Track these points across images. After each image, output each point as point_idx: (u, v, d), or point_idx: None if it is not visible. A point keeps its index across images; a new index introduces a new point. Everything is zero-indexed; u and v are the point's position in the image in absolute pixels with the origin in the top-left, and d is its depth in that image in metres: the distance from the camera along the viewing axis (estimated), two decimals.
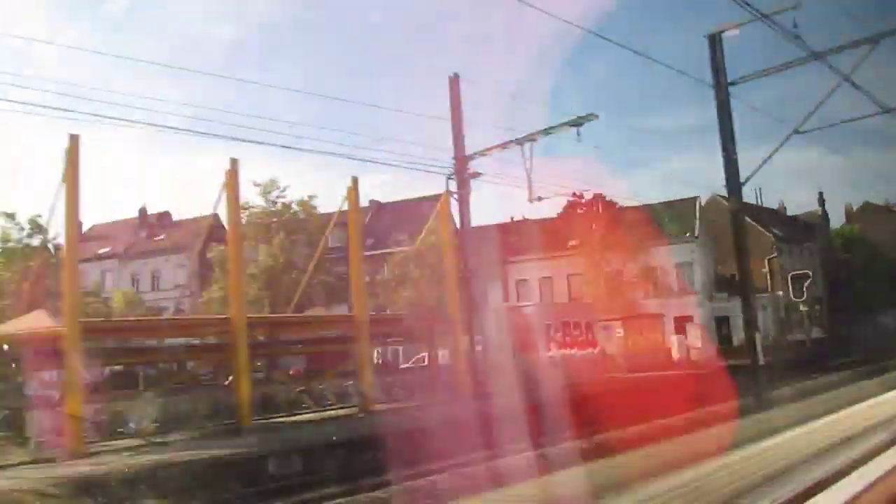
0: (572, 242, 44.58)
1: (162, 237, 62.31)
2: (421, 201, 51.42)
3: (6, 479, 11.74)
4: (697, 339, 29.90)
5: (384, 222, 56.04)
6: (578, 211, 44.31)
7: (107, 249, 62.72)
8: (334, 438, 14.97)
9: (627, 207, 41.26)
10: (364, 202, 59.01)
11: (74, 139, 14.72)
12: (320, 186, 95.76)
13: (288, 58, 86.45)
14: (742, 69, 16.11)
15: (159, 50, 69.88)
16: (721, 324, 42.65)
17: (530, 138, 17.87)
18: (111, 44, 73.38)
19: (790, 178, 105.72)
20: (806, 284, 36.08)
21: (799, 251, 54.33)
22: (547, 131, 17.67)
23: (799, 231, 57.61)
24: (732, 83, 14.97)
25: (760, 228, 53.59)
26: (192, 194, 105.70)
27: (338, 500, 10.52)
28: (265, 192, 42.51)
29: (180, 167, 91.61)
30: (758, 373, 15.14)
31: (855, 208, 68.67)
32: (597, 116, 16.91)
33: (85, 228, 55.45)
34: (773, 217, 57.74)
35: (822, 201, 63.34)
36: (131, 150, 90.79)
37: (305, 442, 14.91)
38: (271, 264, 40.27)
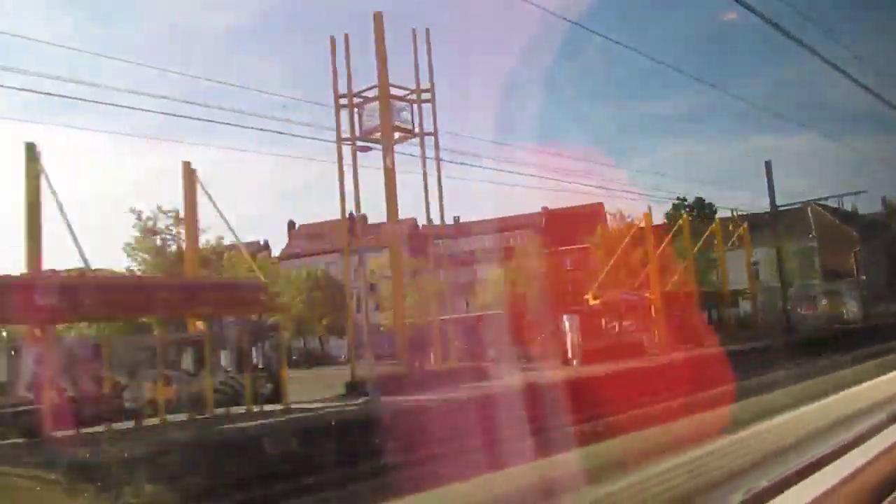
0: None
1: (371, 236, 79.01)
2: (584, 208, 68.78)
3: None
4: (854, 306, 47.79)
5: (557, 225, 73.40)
6: (682, 212, 61.26)
7: (327, 246, 79.86)
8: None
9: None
10: (536, 208, 77.37)
11: (647, 216, 31.89)
12: None
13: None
14: None
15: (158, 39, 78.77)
16: None
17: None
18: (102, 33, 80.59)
19: (779, 164, 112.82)
20: None
21: (871, 246, 71.81)
22: (828, 198, 35.11)
23: (869, 228, 74.98)
24: None
25: (846, 227, 71.36)
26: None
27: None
28: None
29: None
30: None
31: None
32: (866, 191, 34.27)
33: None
34: (849, 216, 75.28)
35: (884, 202, 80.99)
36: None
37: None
38: None
